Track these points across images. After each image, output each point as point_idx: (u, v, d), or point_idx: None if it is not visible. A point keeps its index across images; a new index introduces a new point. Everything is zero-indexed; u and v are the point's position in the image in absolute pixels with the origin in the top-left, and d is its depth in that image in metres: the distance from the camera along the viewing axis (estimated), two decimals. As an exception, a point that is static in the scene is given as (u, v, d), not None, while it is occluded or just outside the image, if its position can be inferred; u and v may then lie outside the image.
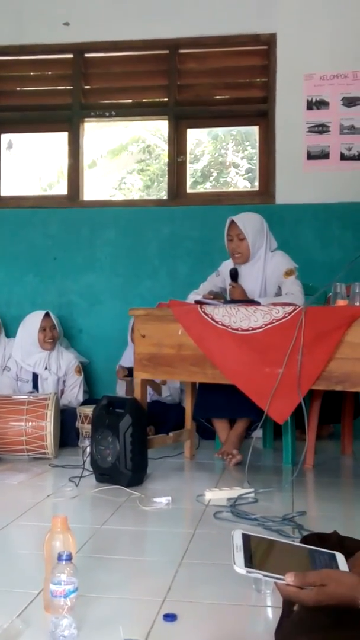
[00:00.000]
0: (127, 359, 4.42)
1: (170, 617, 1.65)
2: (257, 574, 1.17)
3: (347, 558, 1.24)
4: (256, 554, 1.21)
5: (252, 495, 2.84)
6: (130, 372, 4.26)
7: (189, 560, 2.10)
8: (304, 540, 1.47)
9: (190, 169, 5.35)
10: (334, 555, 1.22)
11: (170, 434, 3.54)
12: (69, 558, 1.55)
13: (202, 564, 2.08)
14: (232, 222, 3.68)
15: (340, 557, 1.22)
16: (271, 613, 1.67)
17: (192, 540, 2.29)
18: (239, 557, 1.19)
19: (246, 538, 1.24)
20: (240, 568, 1.17)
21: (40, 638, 1.55)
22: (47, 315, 4.22)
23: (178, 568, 2.02)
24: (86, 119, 5.17)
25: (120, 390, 4.47)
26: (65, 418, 3.89)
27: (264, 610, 1.73)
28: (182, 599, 1.79)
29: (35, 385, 4.20)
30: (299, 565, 1.20)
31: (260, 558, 1.20)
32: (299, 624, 1.08)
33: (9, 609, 1.69)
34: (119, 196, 5.92)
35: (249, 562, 1.19)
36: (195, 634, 1.54)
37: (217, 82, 4.99)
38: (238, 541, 1.22)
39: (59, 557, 1.55)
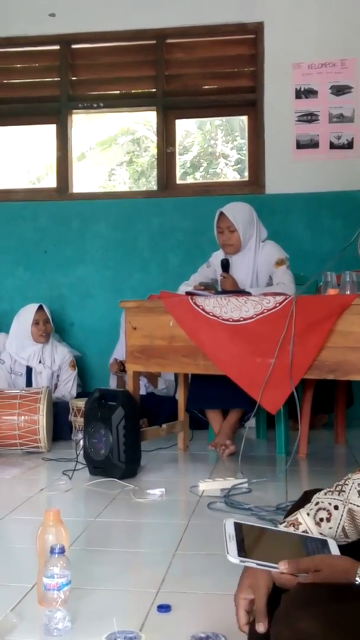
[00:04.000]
0: (120, 352, 4.42)
1: (164, 608, 1.65)
2: (250, 563, 1.17)
3: None
4: (249, 543, 1.20)
5: (246, 485, 2.85)
6: (124, 365, 4.26)
7: (182, 552, 2.10)
8: (305, 495, 1.47)
9: (179, 160, 5.34)
10: (325, 542, 1.22)
11: (164, 425, 3.54)
12: (62, 551, 1.55)
13: (196, 555, 2.08)
14: (222, 214, 3.67)
15: (332, 543, 1.22)
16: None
17: (186, 531, 2.29)
18: (232, 546, 1.19)
19: (238, 527, 1.24)
20: (233, 558, 1.17)
21: (35, 631, 1.55)
22: (40, 308, 4.20)
23: (172, 559, 2.03)
24: (74, 111, 5.14)
25: (113, 384, 4.47)
26: (58, 411, 3.89)
27: (258, 599, 1.73)
28: (176, 589, 1.79)
29: (29, 379, 4.18)
30: (291, 553, 1.20)
31: (253, 547, 1.20)
32: (297, 599, 1.09)
33: (2, 602, 1.69)
34: (108, 188, 5.91)
35: (242, 551, 1.19)
36: (190, 625, 1.54)
37: (205, 72, 4.97)
38: (230, 530, 1.22)
39: (52, 551, 1.55)
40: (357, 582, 1.11)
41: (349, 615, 1.03)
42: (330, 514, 1.26)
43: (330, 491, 1.30)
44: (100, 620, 1.58)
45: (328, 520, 1.25)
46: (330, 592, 1.08)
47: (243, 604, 1.22)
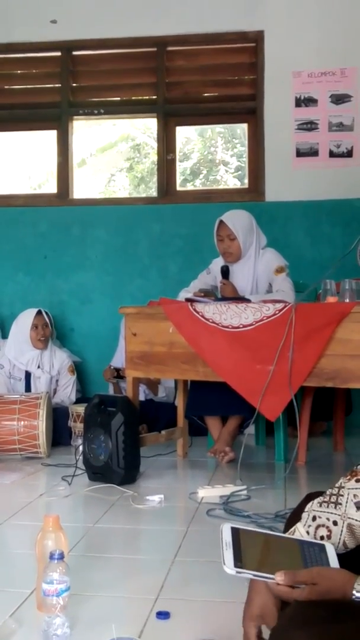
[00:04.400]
0: (118, 359, 4.43)
1: (163, 615, 1.66)
2: (247, 574, 1.16)
3: None
4: (246, 550, 1.19)
5: (245, 492, 2.85)
6: (119, 372, 4.27)
7: (181, 558, 2.10)
8: (308, 498, 1.46)
9: (180, 167, 5.35)
10: (323, 547, 1.22)
11: (163, 432, 3.54)
12: (61, 557, 1.55)
13: (195, 562, 2.08)
14: (222, 222, 3.68)
15: (329, 548, 1.22)
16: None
17: (185, 538, 2.30)
18: (228, 556, 1.17)
19: (235, 532, 1.22)
20: (230, 569, 1.16)
21: (33, 637, 1.55)
22: (39, 313, 4.20)
23: (171, 566, 2.03)
24: (75, 117, 5.16)
25: (113, 390, 4.47)
26: (58, 417, 3.89)
27: (256, 606, 1.73)
28: (175, 596, 1.80)
29: (28, 384, 4.19)
30: (289, 560, 1.19)
31: (250, 555, 1.19)
32: (295, 618, 1.08)
33: (1, 608, 1.69)
34: (108, 194, 5.92)
35: (239, 560, 1.17)
36: (189, 632, 1.55)
37: (205, 80, 4.99)
38: (227, 537, 1.21)
39: (51, 556, 1.55)
40: (354, 597, 1.10)
41: (347, 636, 1.02)
42: (330, 530, 1.25)
43: (325, 502, 1.28)
44: (99, 626, 1.58)
45: (329, 537, 1.24)
46: (328, 612, 1.07)
47: (253, 632, 1.23)
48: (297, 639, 1.02)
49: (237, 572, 1.15)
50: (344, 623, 1.04)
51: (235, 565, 1.15)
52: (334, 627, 1.03)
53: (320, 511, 1.27)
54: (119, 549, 2.26)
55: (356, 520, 1.23)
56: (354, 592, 1.10)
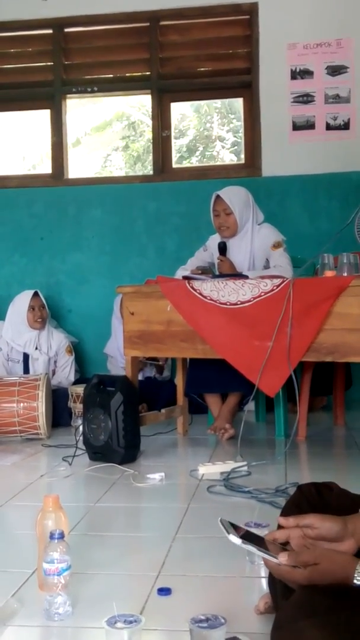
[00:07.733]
0: (111, 347, 4.41)
1: (164, 591, 1.66)
2: (251, 547, 1.18)
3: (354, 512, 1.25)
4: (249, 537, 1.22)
5: (245, 468, 2.86)
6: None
7: (183, 535, 2.11)
8: (299, 489, 1.46)
9: (175, 144, 5.30)
10: None
11: (163, 410, 3.54)
12: (61, 536, 1.55)
13: (196, 538, 2.09)
14: (218, 196, 3.65)
15: None
16: (265, 584, 1.68)
17: (186, 515, 2.30)
18: (232, 531, 1.20)
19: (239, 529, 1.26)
20: (235, 539, 1.19)
21: (35, 616, 1.56)
22: (36, 294, 4.20)
23: (172, 543, 2.03)
24: (68, 96, 5.10)
25: (112, 370, 4.45)
26: (57, 398, 3.89)
27: (257, 581, 1.74)
28: (176, 573, 1.80)
29: (26, 366, 4.18)
30: None
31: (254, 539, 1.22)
32: (299, 608, 1.07)
33: (3, 588, 1.70)
34: (104, 174, 5.87)
35: (246, 539, 1.20)
36: (190, 607, 1.55)
37: (199, 54, 4.92)
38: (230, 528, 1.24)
39: (51, 536, 1.55)
40: (355, 580, 1.09)
41: (354, 626, 1.01)
42: None
43: None
44: (100, 604, 1.59)
45: None
46: (334, 599, 1.06)
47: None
48: (304, 629, 1.01)
49: (243, 542, 1.18)
50: (348, 612, 1.03)
51: (242, 537, 1.18)
52: (340, 616, 1.02)
53: None
54: (120, 527, 2.27)
55: None
56: (356, 574, 1.09)
